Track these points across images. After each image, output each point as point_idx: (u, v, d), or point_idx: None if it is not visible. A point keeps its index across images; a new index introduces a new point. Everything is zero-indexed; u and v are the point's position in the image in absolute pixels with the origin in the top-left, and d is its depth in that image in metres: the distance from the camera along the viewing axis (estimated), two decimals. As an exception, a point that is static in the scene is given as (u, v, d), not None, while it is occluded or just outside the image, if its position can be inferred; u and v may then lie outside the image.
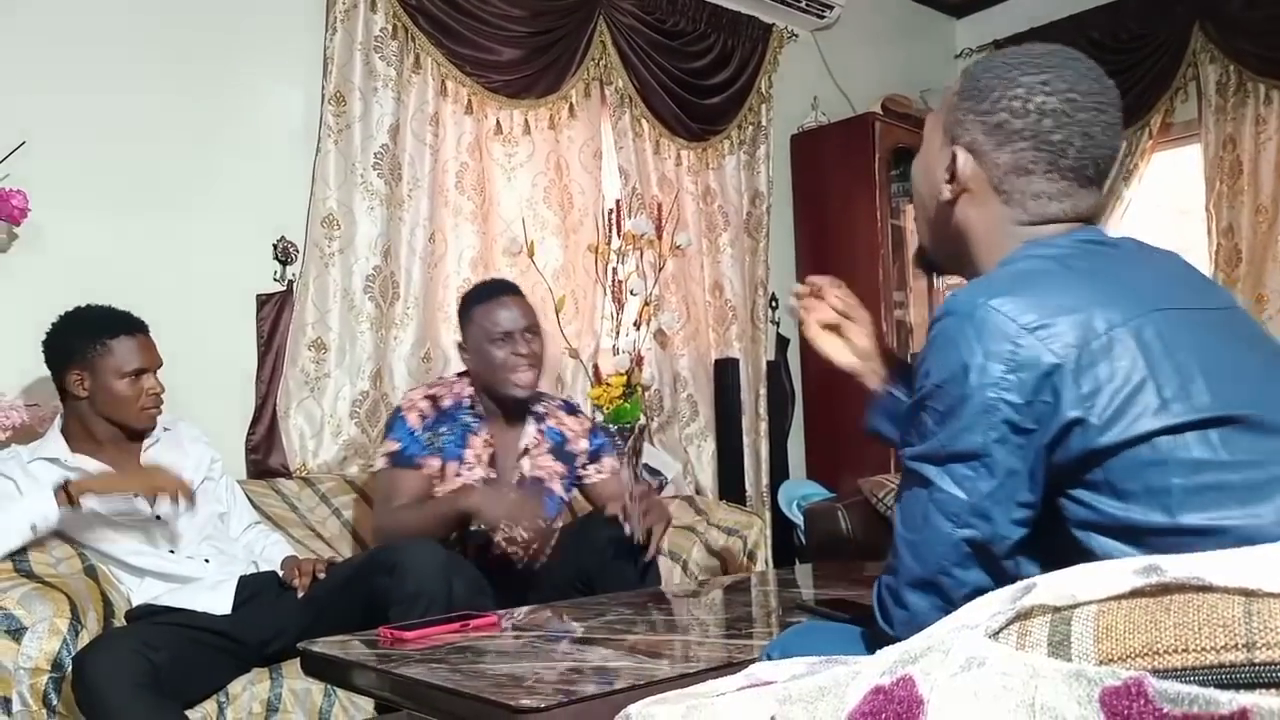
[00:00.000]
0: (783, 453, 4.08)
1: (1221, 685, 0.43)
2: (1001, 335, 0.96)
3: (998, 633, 0.50)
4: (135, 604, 2.04)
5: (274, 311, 2.84)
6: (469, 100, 3.22)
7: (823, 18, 4.24)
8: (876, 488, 3.01)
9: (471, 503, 2.06)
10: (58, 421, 2.17)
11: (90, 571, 2.01)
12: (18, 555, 1.94)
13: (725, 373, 3.81)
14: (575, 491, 2.62)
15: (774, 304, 4.12)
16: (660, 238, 3.56)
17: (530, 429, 2.49)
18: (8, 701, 1.73)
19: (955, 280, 1.81)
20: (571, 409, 2.66)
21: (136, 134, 2.64)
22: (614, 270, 3.50)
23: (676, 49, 3.78)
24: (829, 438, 4.10)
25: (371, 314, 2.96)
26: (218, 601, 2.06)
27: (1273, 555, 0.46)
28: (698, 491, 3.63)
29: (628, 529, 2.15)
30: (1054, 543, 0.99)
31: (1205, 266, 4.21)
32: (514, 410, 2.46)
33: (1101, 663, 0.46)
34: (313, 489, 2.73)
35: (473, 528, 2.26)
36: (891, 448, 1.04)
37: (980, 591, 0.98)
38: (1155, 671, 0.44)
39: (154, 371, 2.18)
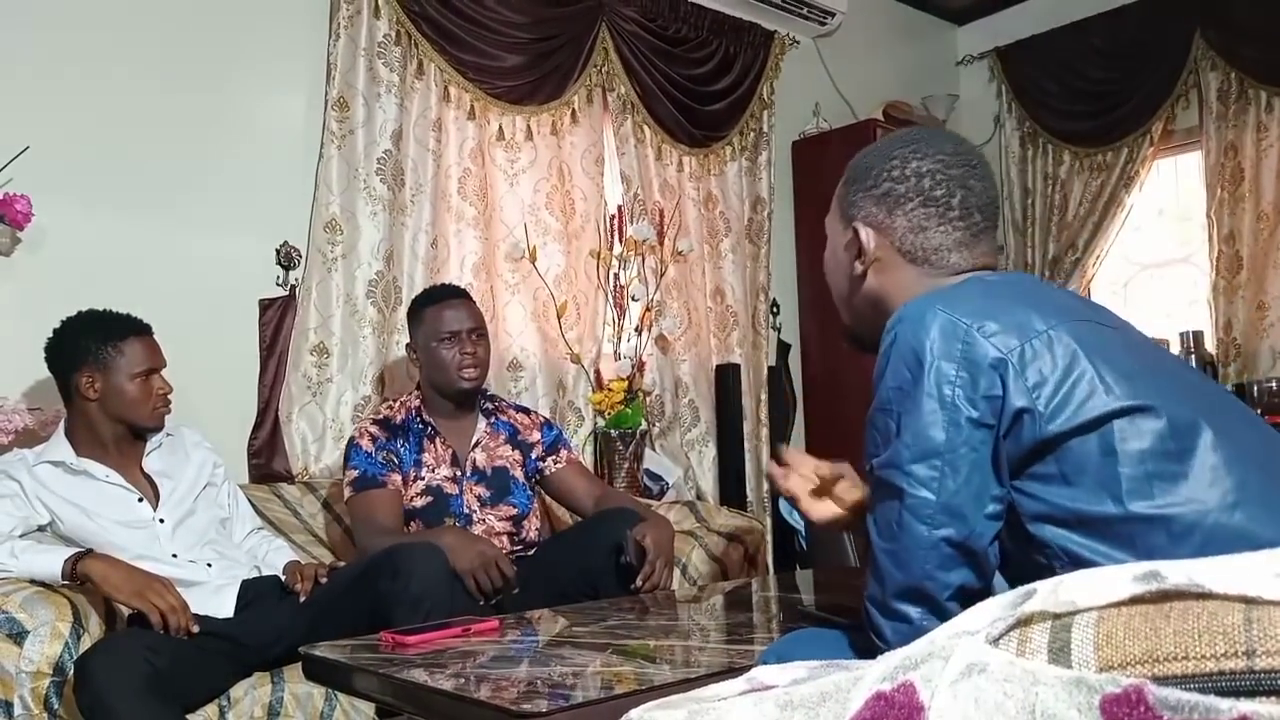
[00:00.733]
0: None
1: (1221, 692, 0.43)
2: (952, 336, 1.02)
3: (998, 639, 0.50)
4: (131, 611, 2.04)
5: (276, 316, 2.84)
6: (472, 106, 3.23)
7: (824, 24, 4.25)
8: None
9: (444, 543, 2.09)
10: (62, 425, 2.17)
11: (92, 575, 2.01)
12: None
13: (726, 378, 3.82)
14: (541, 489, 2.66)
15: (775, 310, 4.12)
16: (662, 243, 3.57)
17: (481, 424, 2.57)
18: (9, 705, 1.73)
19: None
20: (522, 409, 2.72)
21: (140, 139, 2.64)
22: (616, 276, 3.51)
23: (678, 55, 3.79)
24: (830, 443, 4.09)
25: (374, 319, 2.96)
26: (220, 606, 2.07)
27: (1273, 562, 0.47)
28: (699, 497, 3.63)
29: (637, 570, 2.18)
30: (1009, 536, 1.04)
31: (1206, 273, 4.21)
32: (463, 408, 2.55)
33: (1102, 670, 0.46)
34: (314, 494, 2.73)
35: None
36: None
37: (964, 590, 1.01)
38: (1155, 679, 0.45)
39: (161, 371, 2.20)
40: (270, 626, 2.05)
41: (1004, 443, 1.01)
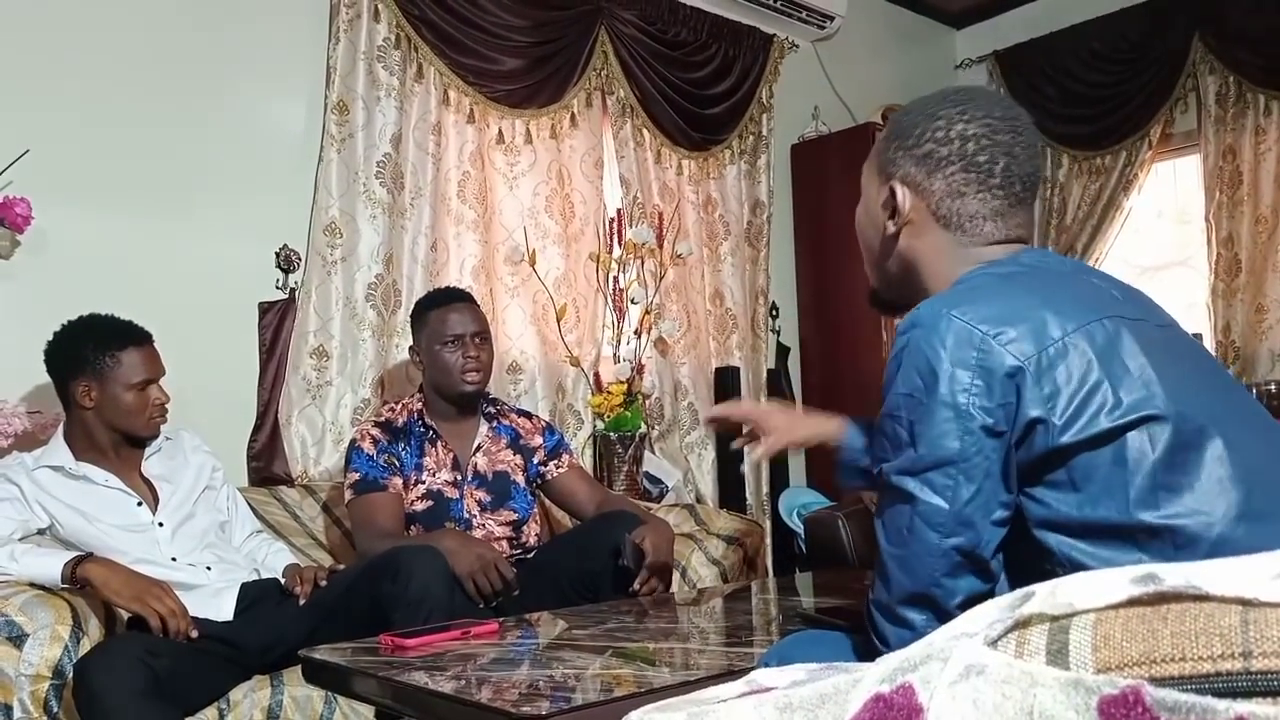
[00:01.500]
0: (783, 461, 4.08)
1: (1218, 694, 0.43)
2: (967, 343, 1.00)
3: (996, 641, 0.51)
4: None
5: (276, 319, 2.84)
6: (471, 109, 3.24)
7: (823, 28, 4.26)
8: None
9: (444, 547, 2.09)
10: (61, 429, 2.18)
11: (92, 578, 2.01)
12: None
13: (726, 381, 3.82)
14: (542, 494, 2.67)
15: (774, 313, 4.12)
16: (661, 246, 3.57)
17: (483, 428, 2.57)
18: (9, 709, 1.73)
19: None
20: (524, 413, 2.72)
21: (139, 142, 2.65)
22: (615, 279, 3.52)
23: (678, 59, 3.79)
24: (829, 446, 4.10)
25: (373, 322, 2.97)
26: (220, 609, 2.07)
27: (1269, 564, 0.47)
28: (698, 500, 3.63)
29: (634, 573, 2.19)
30: (1014, 542, 1.03)
31: (1205, 276, 4.22)
32: (465, 412, 2.55)
33: (1099, 671, 0.47)
34: (314, 497, 2.73)
35: None
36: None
37: (972, 598, 1.02)
38: (1153, 680, 0.45)
39: (159, 381, 2.19)
40: (270, 629, 2.05)
41: (1015, 451, 1.00)
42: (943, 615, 1.01)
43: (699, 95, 3.84)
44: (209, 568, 2.15)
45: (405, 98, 3.07)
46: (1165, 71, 4.30)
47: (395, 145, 3.03)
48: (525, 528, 2.52)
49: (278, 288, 2.88)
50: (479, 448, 2.54)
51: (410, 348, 2.62)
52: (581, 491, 2.60)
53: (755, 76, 4.02)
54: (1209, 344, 4.15)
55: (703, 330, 3.82)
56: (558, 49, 3.45)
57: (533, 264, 3.29)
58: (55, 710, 1.75)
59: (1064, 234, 4.59)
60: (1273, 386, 3.79)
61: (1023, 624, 0.50)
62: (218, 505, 2.33)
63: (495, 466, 2.54)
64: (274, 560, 2.31)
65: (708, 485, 3.75)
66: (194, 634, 1.90)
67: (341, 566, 2.35)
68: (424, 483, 2.45)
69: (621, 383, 3.38)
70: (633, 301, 3.52)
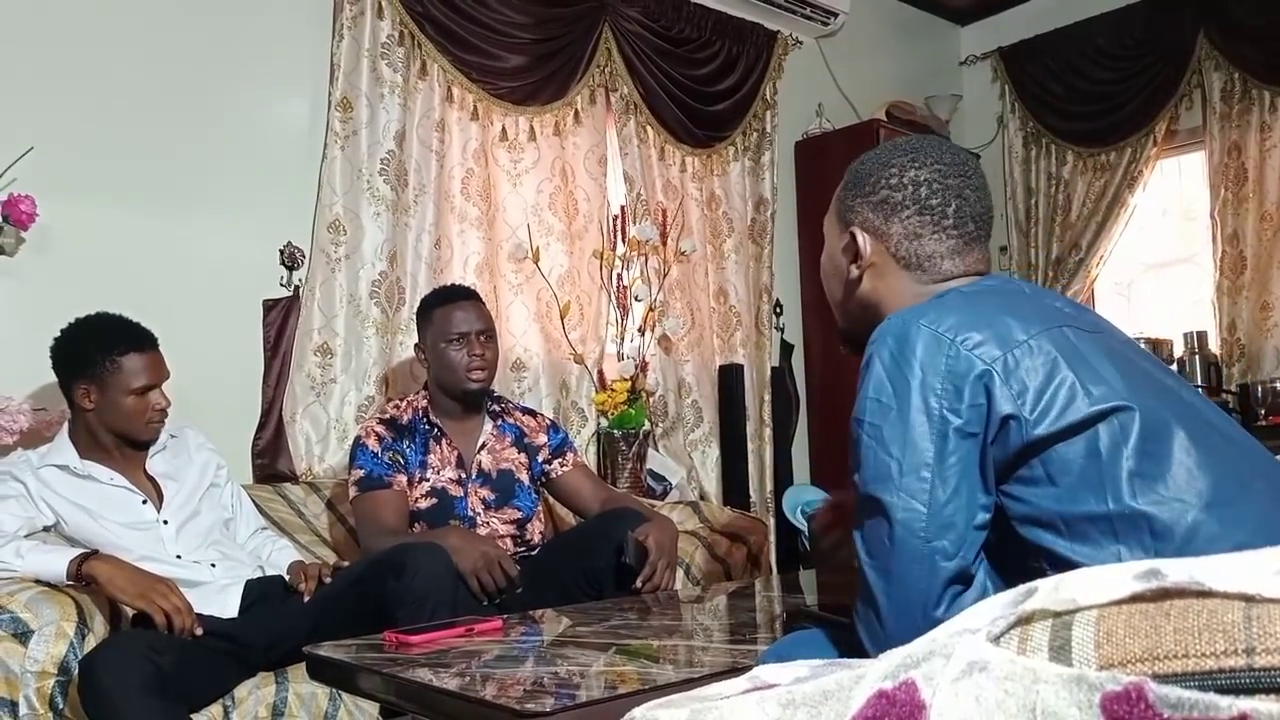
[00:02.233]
0: (787, 458, 4.08)
1: (1222, 690, 0.43)
2: (936, 349, 1.04)
3: (999, 637, 0.51)
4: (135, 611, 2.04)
5: (280, 317, 2.84)
6: (475, 107, 3.24)
7: (827, 25, 4.25)
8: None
9: (448, 544, 2.09)
10: (66, 427, 2.18)
11: (97, 575, 2.02)
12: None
13: (729, 378, 3.82)
14: (546, 492, 2.67)
15: (778, 310, 4.12)
16: (665, 244, 3.57)
17: (487, 426, 2.57)
18: (14, 705, 1.74)
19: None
20: (529, 411, 2.73)
21: (143, 139, 2.65)
22: (619, 276, 3.52)
23: (682, 56, 3.79)
24: (833, 444, 4.11)
25: (377, 319, 2.97)
26: (224, 606, 2.07)
27: (1273, 560, 0.47)
28: (702, 497, 3.63)
29: (637, 570, 2.19)
30: (996, 542, 1.05)
31: (1210, 273, 4.21)
32: (469, 410, 2.55)
33: (1102, 667, 0.47)
34: (318, 494, 2.73)
35: None
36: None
37: (956, 600, 1.02)
38: (1156, 676, 0.45)
39: (160, 386, 2.18)
40: (274, 626, 2.06)
41: (990, 449, 1.03)
42: (931, 621, 1.01)
43: (703, 92, 3.83)
44: (213, 565, 2.15)
45: (409, 95, 3.07)
46: (1170, 68, 4.29)
47: (399, 142, 3.03)
48: (529, 525, 2.52)
49: (282, 285, 2.88)
50: (483, 446, 2.54)
51: (415, 345, 2.62)
52: (586, 490, 2.61)
53: (759, 73, 4.02)
54: (1214, 341, 4.14)
55: (706, 328, 3.82)
56: (561, 46, 3.45)
57: (536, 261, 3.29)
58: (61, 706, 1.75)
59: (1068, 231, 4.58)
60: (1278, 384, 3.78)
61: (1025, 620, 0.50)
62: (222, 503, 2.33)
63: (500, 465, 2.54)
64: (278, 557, 2.31)
65: (711, 483, 3.75)
66: (199, 631, 1.91)
67: (346, 563, 2.36)
68: (428, 480, 2.46)
69: (625, 380, 3.38)
70: (636, 299, 3.52)
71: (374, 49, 3.01)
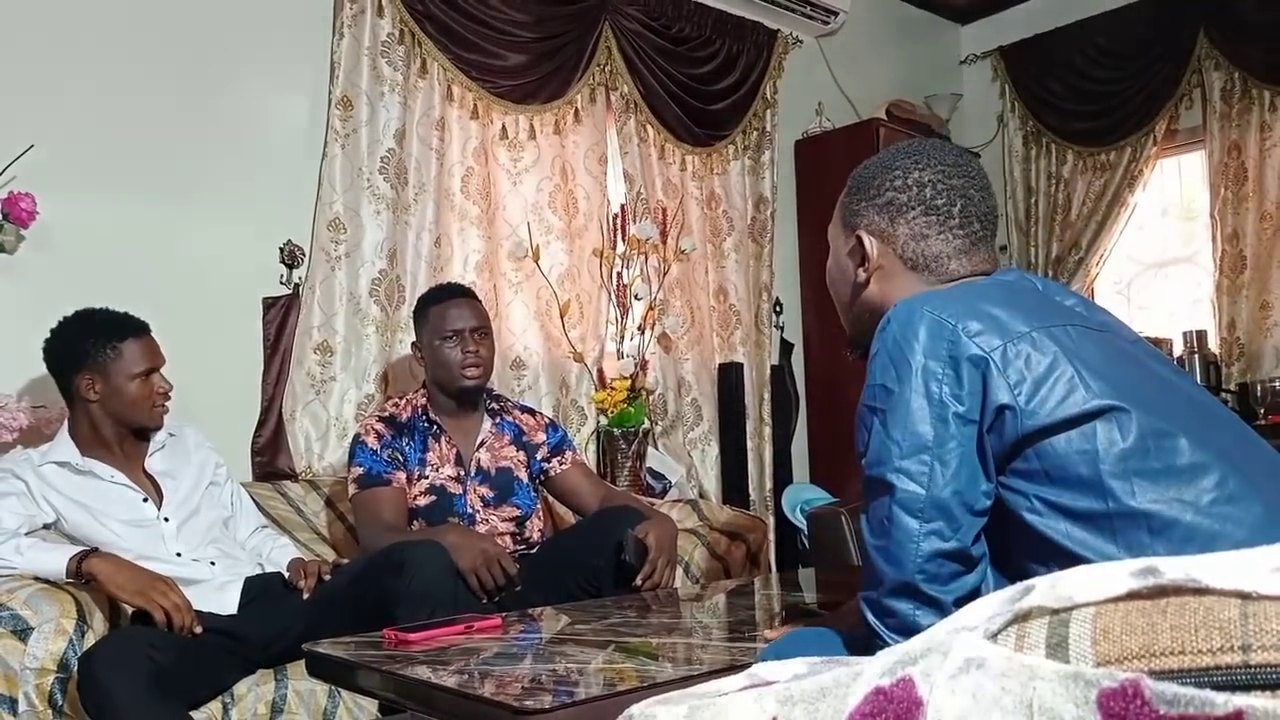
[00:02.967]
0: (786, 457, 4.08)
1: (1218, 687, 0.43)
2: (938, 335, 1.05)
3: (996, 634, 0.51)
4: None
5: (280, 315, 2.85)
6: (475, 105, 3.24)
7: (827, 24, 4.25)
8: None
9: (447, 541, 2.10)
10: (66, 425, 2.18)
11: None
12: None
13: (729, 377, 3.82)
14: (544, 490, 2.68)
15: (778, 309, 4.12)
16: (665, 242, 3.57)
17: (486, 424, 2.57)
18: (14, 702, 1.74)
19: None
20: (528, 409, 2.73)
21: (143, 137, 2.65)
22: (618, 275, 3.52)
23: (682, 55, 3.79)
24: (833, 442, 4.11)
25: (377, 318, 2.97)
26: (224, 603, 2.08)
27: (1269, 558, 0.47)
28: (701, 495, 3.63)
29: (636, 568, 2.20)
30: (994, 533, 1.07)
31: (1210, 272, 4.21)
32: (468, 407, 2.55)
33: (1099, 664, 0.47)
34: (318, 491, 2.74)
35: None
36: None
37: (956, 583, 1.02)
38: (1152, 673, 0.45)
39: (160, 370, 2.20)
40: (273, 623, 2.06)
41: (988, 438, 1.04)
42: (931, 602, 1.04)
43: (703, 91, 3.83)
44: (213, 563, 2.15)
45: (409, 93, 3.07)
46: (1170, 67, 4.29)
47: (399, 141, 3.03)
48: (528, 523, 2.53)
49: (282, 283, 2.88)
50: (482, 444, 2.55)
51: (413, 343, 2.63)
52: (585, 488, 2.61)
53: (759, 72, 4.02)
54: (1213, 341, 4.14)
55: (706, 326, 3.82)
56: (561, 45, 3.44)
57: (536, 260, 3.29)
58: (60, 703, 1.76)
59: (1068, 230, 4.58)
60: (1277, 384, 3.78)
61: (1022, 617, 0.51)
62: (221, 501, 2.33)
63: (498, 463, 2.54)
64: (278, 555, 2.31)
65: (711, 481, 3.75)
66: (199, 629, 1.91)
67: (345, 561, 2.36)
68: (427, 478, 2.46)
69: (625, 378, 3.38)
70: (636, 297, 3.52)
71: (374, 47, 3.01)
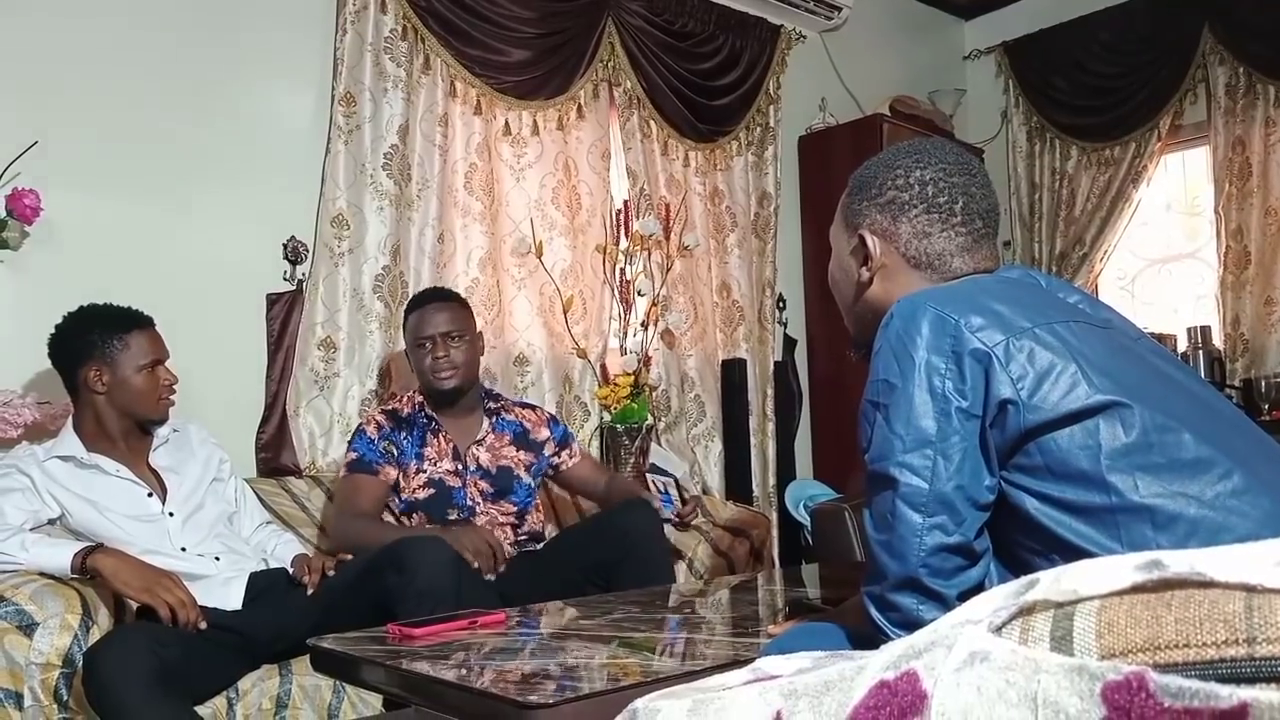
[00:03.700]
0: (789, 453, 4.08)
1: (1223, 679, 0.43)
2: (942, 331, 1.05)
3: (1001, 628, 0.51)
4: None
5: (284, 311, 2.85)
6: (478, 101, 3.24)
7: (831, 19, 4.24)
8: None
9: (449, 533, 2.19)
10: (70, 420, 2.19)
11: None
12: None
13: (732, 373, 3.82)
14: (550, 482, 2.79)
15: (781, 305, 4.12)
16: (668, 238, 3.57)
17: (484, 422, 2.61)
18: (19, 697, 1.75)
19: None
20: (526, 405, 2.79)
21: (147, 134, 2.65)
22: (622, 271, 3.52)
23: (685, 50, 3.78)
24: (836, 438, 4.11)
25: (380, 314, 2.97)
26: (228, 598, 2.08)
27: (1274, 551, 0.47)
28: (704, 491, 3.63)
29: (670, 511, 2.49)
30: (997, 528, 1.07)
31: (1214, 268, 4.20)
32: (464, 407, 2.59)
33: (1103, 657, 0.47)
34: (321, 487, 2.74)
35: None
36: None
37: (959, 577, 1.03)
38: (1157, 666, 0.45)
39: (165, 362, 2.22)
40: (277, 619, 2.06)
41: (990, 432, 1.04)
42: (934, 596, 1.04)
43: (706, 86, 3.83)
44: (217, 558, 2.16)
45: (412, 89, 3.07)
46: (1174, 63, 4.28)
47: (402, 137, 3.03)
48: (528, 516, 2.58)
49: (285, 279, 2.88)
50: (480, 441, 2.58)
51: (405, 349, 2.69)
52: (592, 476, 2.74)
53: (762, 68, 4.01)
54: (1218, 336, 4.13)
55: (709, 322, 3.82)
56: (564, 40, 3.44)
57: (539, 256, 3.29)
58: (65, 699, 1.76)
59: (1072, 226, 4.57)
60: (1282, 379, 3.77)
61: (1027, 611, 0.50)
62: (226, 496, 2.34)
63: (499, 461, 2.57)
64: (283, 550, 2.32)
65: (714, 477, 3.75)
66: (203, 625, 1.91)
67: (349, 557, 2.36)
68: (425, 471, 2.49)
69: (628, 374, 3.38)
70: (639, 293, 3.52)
71: (377, 43, 3.00)
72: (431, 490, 2.47)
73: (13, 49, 2.47)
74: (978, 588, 1.04)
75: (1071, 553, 0.99)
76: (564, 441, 2.71)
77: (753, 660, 0.70)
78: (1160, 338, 4.07)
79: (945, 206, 1.23)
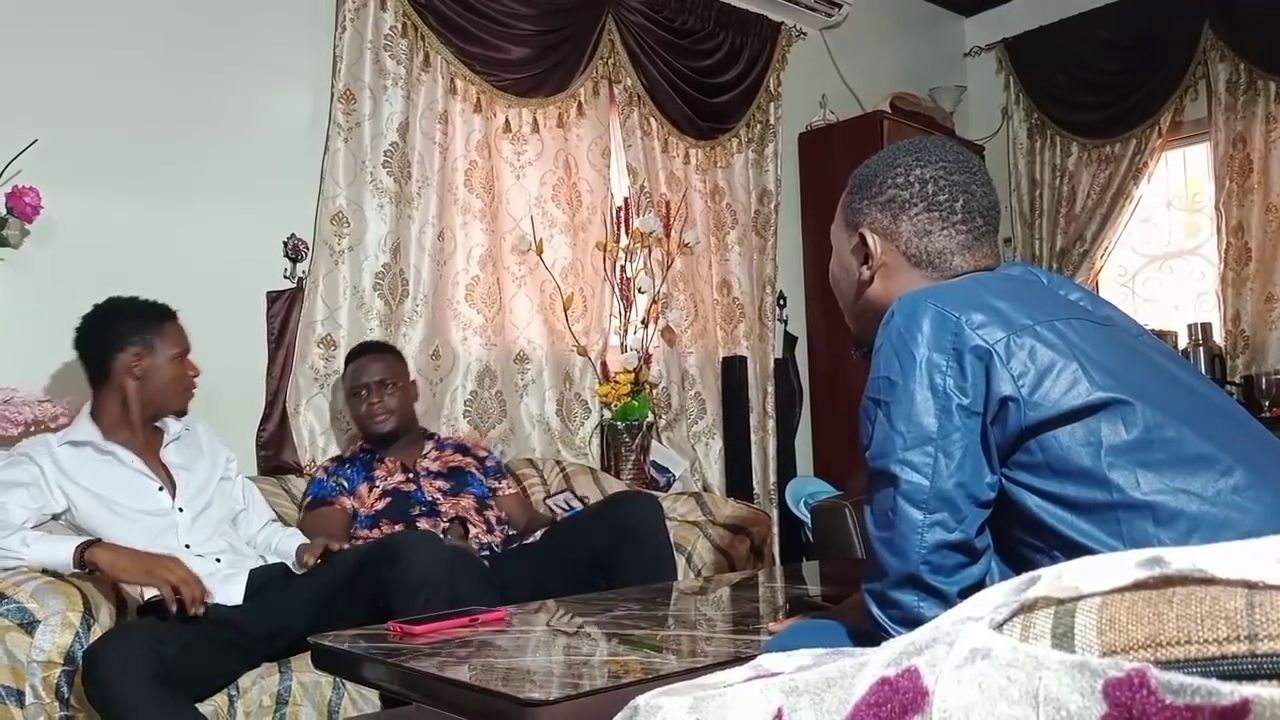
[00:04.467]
0: (790, 450, 4.08)
1: (1224, 676, 0.43)
2: (943, 328, 1.05)
3: (1002, 624, 0.51)
4: (147, 598, 2.05)
5: (284, 308, 2.85)
6: (478, 98, 3.23)
7: (831, 16, 4.24)
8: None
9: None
10: (88, 407, 2.20)
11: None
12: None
13: (733, 370, 3.82)
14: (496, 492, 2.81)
15: (782, 302, 4.12)
16: (668, 236, 3.57)
17: (426, 445, 2.74)
18: (21, 694, 1.75)
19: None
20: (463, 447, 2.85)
21: (147, 131, 2.65)
22: (622, 268, 3.52)
23: (685, 47, 3.78)
24: (836, 435, 4.11)
25: (381, 311, 2.97)
26: (229, 593, 2.08)
27: (1275, 547, 0.47)
28: (705, 489, 3.63)
29: None
30: (998, 525, 1.07)
31: (1215, 265, 4.20)
32: (403, 443, 2.69)
33: (1105, 654, 0.47)
34: (322, 485, 2.74)
35: None
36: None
37: (960, 574, 1.04)
38: (1158, 663, 0.45)
39: (189, 354, 2.28)
40: (277, 615, 2.06)
41: (991, 430, 1.04)
42: (935, 593, 1.04)
43: (706, 84, 3.83)
44: (218, 559, 2.16)
45: (412, 87, 3.07)
46: (1175, 59, 4.27)
47: (402, 134, 3.03)
48: (489, 511, 2.63)
49: (285, 277, 2.88)
50: (425, 455, 2.69)
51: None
52: (515, 512, 2.74)
53: (763, 65, 4.01)
54: (1218, 333, 4.13)
55: (710, 319, 3.82)
56: (565, 37, 3.44)
57: (540, 253, 3.29)
58: (67, 696, 1.76)
59: (1073, 223, 4.57)
60: (1282, 376, 3.77)
61: (1028, 607, 0.50)
62: (232, 495, 2.35)
63: (448, 464, 2.68)
64: (286, 544, 2.33)
65: (715, 474, 3.75)
66: (210, 600, 1.93)
67: (345, 546, 2.37)
68: (378, 487, 2.58)
69: (629, 372, 3.39)
70: (640, 291, 3.52)
71: (377, 41, 3.00)
72: (389, 499, 2.56)
73: (12, 47, 2.47)
74: (978, 585, 1.04)
75: (1073, 550, 0.99)
76: (498, 472, 2.80)
77: (754, 657, 0.70)
78: (1161, 334, 4.07)
79: (946, 204, 1.23)
